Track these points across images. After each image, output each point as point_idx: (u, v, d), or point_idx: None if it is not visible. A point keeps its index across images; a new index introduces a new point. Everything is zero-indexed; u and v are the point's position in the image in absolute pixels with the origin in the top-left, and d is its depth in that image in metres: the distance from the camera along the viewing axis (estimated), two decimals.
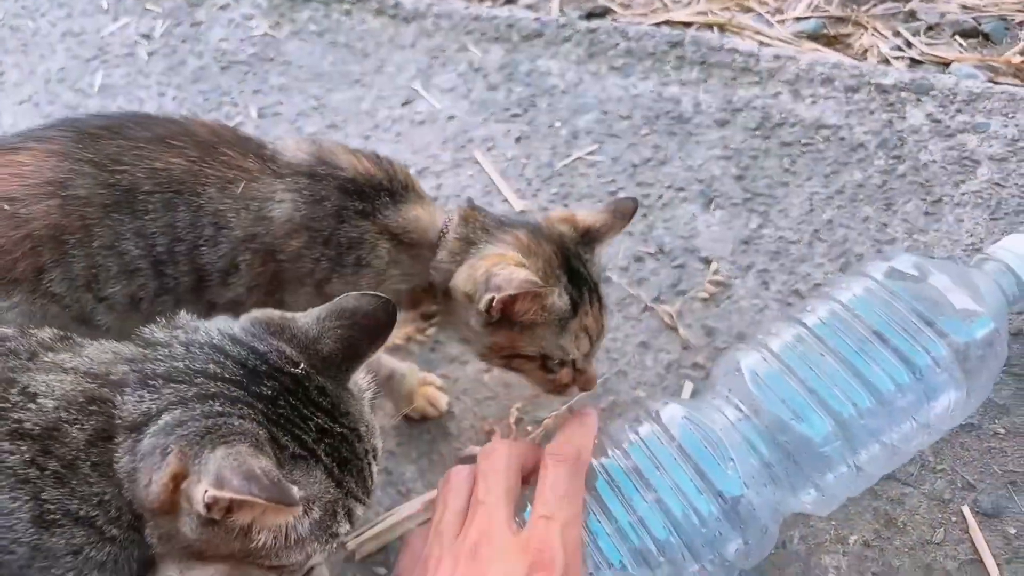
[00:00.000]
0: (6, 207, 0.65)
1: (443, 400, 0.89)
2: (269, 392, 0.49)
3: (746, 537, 0.62)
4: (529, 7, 1.54)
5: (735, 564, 0.65)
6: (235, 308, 0.77)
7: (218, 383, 0.49)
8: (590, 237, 0.76)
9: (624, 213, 0.77)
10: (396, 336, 0.95)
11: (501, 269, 0.68)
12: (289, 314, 0.56)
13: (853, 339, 0.70)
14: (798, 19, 1.39)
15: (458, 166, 1.17)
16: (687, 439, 0.65)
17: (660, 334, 0.91)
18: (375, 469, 0.54)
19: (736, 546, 0.63)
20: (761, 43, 1.31)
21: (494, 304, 0.68)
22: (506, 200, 1.10)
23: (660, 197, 1.06)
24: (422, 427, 0.87)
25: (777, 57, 1.22)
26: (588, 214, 0.78)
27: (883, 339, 0.70)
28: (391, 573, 0.76)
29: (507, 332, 0.72)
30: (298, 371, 0.51)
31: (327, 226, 0.72)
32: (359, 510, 0.52)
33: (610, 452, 0.66)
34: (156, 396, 0.48)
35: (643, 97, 1.21)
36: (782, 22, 1.39)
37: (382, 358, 0.86)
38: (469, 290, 0.70)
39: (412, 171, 1.17)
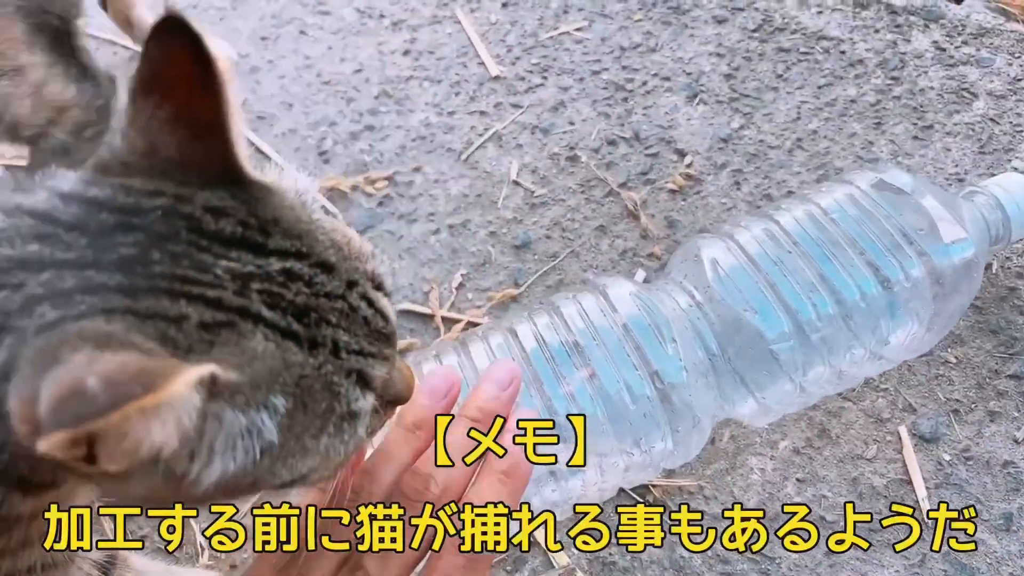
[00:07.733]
0: None
1: None
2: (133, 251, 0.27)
3: (676, 426, 0.54)
4: None
5: (659, 459, 0.57)
6: None
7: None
8: None
9: None
10: None
11: None
12: None
13: (825, 242, 0.61)
14: None
15: (437, 22, 1.02)
16: (631, 316, 0.56)
17: (621, 220, 0.81)
18: (381, 303, 0.32)
19: (663, 435, 0.54)
20: None
21: None
22: (483, 63, 0.96)
23: (644, 84, 0.93)
24: None
25: None
26: None
27: (857, 248, 0.61)
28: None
29: None
30: (162, 201, 0.28)
31: None
32: (376, 368, 0.31)
33: (548, 318, 0.56)
34: None
35: None
36: None
37: None
38: None
39: (388, 23, 1.03)
